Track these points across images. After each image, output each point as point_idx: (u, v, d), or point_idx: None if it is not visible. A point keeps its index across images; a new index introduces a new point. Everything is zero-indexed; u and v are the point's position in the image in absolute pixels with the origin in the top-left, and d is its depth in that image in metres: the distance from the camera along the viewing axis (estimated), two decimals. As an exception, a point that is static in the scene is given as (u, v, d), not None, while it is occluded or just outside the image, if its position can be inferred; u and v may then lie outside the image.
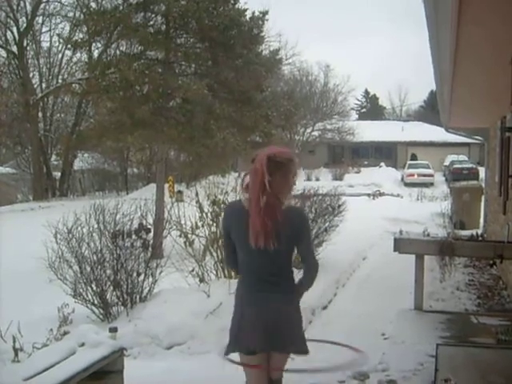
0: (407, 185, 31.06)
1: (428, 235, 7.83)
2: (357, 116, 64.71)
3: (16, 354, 4.61)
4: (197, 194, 7.18)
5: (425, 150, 41.26)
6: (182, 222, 7.09)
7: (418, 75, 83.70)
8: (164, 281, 6.45)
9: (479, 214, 13.70)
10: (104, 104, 13.38)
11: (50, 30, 27.48)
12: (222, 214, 2.96)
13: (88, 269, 6.27)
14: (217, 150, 11.76)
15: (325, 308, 7.05)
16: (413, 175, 32.37)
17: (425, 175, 32.30)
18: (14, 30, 26.11)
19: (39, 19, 27.26)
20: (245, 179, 2.89)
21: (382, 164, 40.16)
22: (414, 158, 41.97)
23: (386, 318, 6.11)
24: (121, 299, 6.28)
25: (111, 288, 6.28)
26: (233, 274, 6.54)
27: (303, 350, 2.94)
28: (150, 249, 6.65)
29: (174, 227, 7.10)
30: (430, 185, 30.44)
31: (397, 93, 73.76)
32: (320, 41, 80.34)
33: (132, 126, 11.43)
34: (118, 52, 15.71)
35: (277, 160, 2.79)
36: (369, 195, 23.55)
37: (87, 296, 6.24)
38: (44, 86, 27.77)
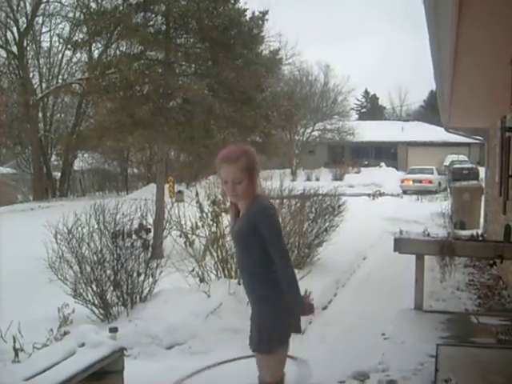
0: (404, 192, 26.91)
1: (428, 235, 7.81)
2: (357, 116, 64.85)
3: (16, 354, 4.61)
4: (197, 194, 7.18)
5: (425, 150, 41.30)
6: (182, 222, 7.09)
7: (418, 75, 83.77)
8: (164, 281, 6.45)
9: (479, 213, 13.70)
10: (104, 104, 13.38)
11: (50, 30, 27.56)
12: (275, 215, 2.98)
13: (88, 269, 6.27)
14: (217, 150, 11.66)
15: (325, 308, 7.05)
16: (408, 181, 28.65)
17: (422, 181, 28.02)
18: (14, 30, 26.14)
19: (39, 19, 27.32)
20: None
21: (382, 164, 40.20)
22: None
23: (386, 318, 6.11)
24: (121, 299, 6.28)
25: (111, 288, 6.27)
26: (233, 274, 6.55)
27: None
28: (150, 249, 6.65)
29: (174, 227, 7.10)
30: (428, 193, 25.33)
31: (397, 93, 73.96)
32: (320, 41, 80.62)
33: (132, 126, 11.43)
34: (118, 52, 15.73)
35: None
36: (369, 195, 23.55)
37: (87, 296, 6.24)
38: (44, 86, 27.79)
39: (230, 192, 2.89)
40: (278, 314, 2.88)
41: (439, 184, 28.60)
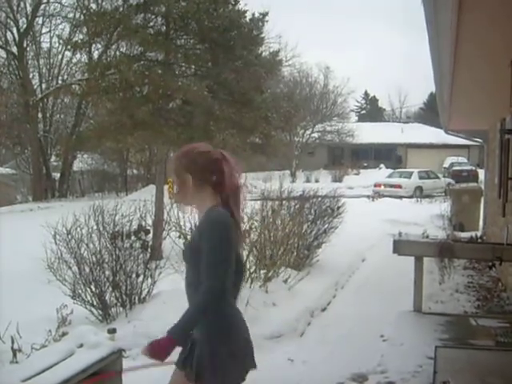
0: (375, 196, 24.56)
1: (427, 237, 7.81)
2: (356, 118, 64.95)
3: (14, 355, 4.59)
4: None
5: (424, 152, 41.36)
6: (182, 223, 7.09)
7: (418, 77, 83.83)
8: (163, 282, 6.45)
9: (478, 216, 13.71)
10: (104, 105, 13.39)
11: (50, 31, 27.51)
12: (224, 225, 2.43)
13: (87, 270, 6.26)
14: (216, 152, 11.74)
15: (324, 310, 7.05)
16: (379, 186, 27.42)
17: (391, 186, 26.79)
18: (14, 30, 26.12)
19: (39, 20, 27.28)
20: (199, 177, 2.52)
21: (382, 166, 40.24)
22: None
23: (385, 320, 6.11)
24: (120, 300, 6.28)
25: (110, 289, 6.27)
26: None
27: None
28: (149, 250, 6.64)
29: (174, 228, 7.10)
30: (399, 198, 24.05)
31: (396, 95, 74.55)
32: (320, 42, 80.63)
33: (132, 127, 11.44)
34: (117, 53, 15.74)
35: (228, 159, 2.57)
36: (368, 197, 23.54)
37: (86, 297, 6.23)
38: (44, 86, 27.76)
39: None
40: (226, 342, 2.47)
41: (421, 189, 26.86)
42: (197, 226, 2.56)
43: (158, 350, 2.33)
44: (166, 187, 15.02)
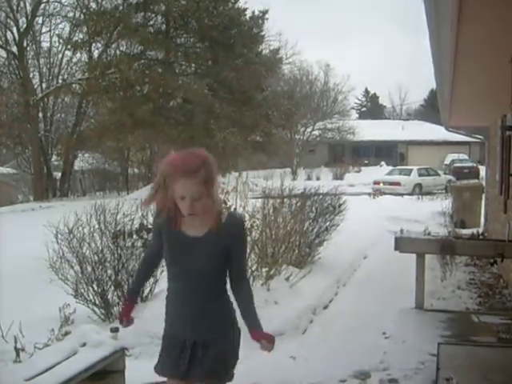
0: (376, 193, 23.71)
1: (429, 234, 7.83)
2: (357, 115, 65.00)
3: (17, 355, 4.60)
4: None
5: (425, 149, 41.34)
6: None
7: (418, 74, 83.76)
8: (165, 281, 6.43)
9: (480, 212, 13.70)
10: (104, 104, 13.43)
11: (50, 31, 27.42)
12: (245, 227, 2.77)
13: (89, 269, 6.26)
14: (217, 150, 11.78)
15: (326, 307, 7.05)
16: (378, 183, 27.15)
17: (390, 183, 26.58)
18: (14, 30, 26.09)
19: (39, 19, 27.20)
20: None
21: (383, 163, 40.24)
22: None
23: (387, 317, 6.11)
24: (122, 299, 6.28)
25: (112, 288, 6.27)
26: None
27: None
28: (150, 249, 6.63)
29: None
30: (398, 195, 23.09)
31: (397, 92, 74.44)
32: (320, 40, 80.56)
33: (132, 126, 11.47)
34: (118, 52, 15.76)
35: None
36: (369, 194, 23.49)
37: (88, 296, 6.23)
38: (44, 86, 27.73)
39: (188, 210, 2.43)
40: (238, 337, 2.77)
41: (420, 186, 26.82)
42: (223, 231, 2.56)
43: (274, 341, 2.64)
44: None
